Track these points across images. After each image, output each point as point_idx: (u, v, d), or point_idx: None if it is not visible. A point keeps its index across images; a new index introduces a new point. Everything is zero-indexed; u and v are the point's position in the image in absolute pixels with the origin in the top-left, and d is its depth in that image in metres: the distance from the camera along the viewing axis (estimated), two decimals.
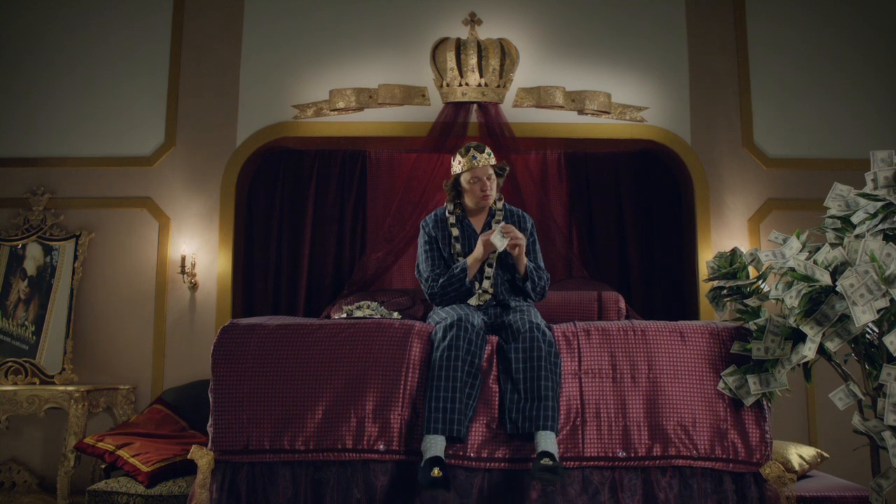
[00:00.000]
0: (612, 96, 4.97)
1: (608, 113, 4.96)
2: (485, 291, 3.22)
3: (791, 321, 2.58)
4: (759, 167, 4.96)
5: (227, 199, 4.94)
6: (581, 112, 4.97)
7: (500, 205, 3.43)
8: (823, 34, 5.07)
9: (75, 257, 4.84)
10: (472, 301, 3.21)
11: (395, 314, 3.19)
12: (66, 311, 4.75)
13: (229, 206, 4.93)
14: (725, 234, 4.90)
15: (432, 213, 3.46)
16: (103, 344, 4.82)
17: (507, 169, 3.44)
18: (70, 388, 4.39)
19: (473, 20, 5.01)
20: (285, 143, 5.10)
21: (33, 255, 4.87)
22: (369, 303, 3.16)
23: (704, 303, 4.80)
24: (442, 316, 3.05)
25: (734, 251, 2.93)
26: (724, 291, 2.91)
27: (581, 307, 4.02)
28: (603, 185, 5.16)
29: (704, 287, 4.79)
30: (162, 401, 4.54)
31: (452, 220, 3.38)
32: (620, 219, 5.14)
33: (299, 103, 4.99)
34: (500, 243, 3.08)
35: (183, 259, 4.81)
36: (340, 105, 4.96)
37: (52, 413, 4.52)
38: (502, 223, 3.17)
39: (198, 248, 4.91)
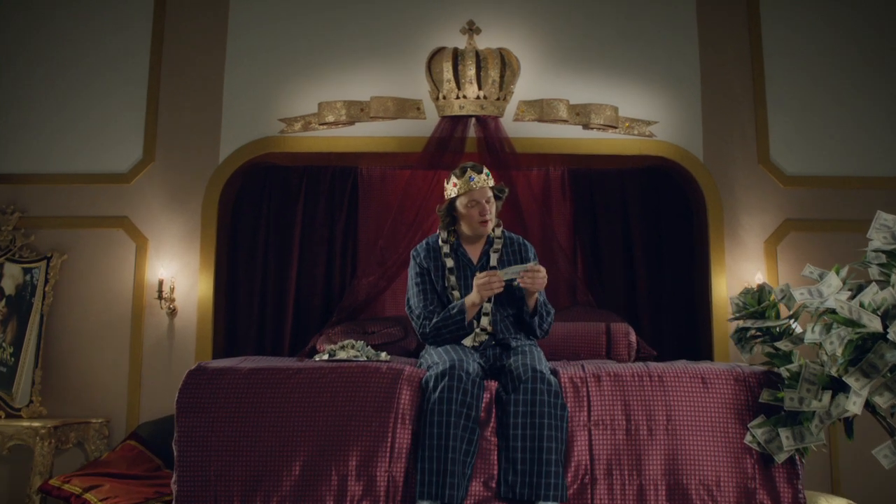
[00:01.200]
0: (619, 110, 4.67)
1: (615, 127, 4.67)
2: (483, 330, 2.90)
3: (832, 370, 2.27)
4: (775, 185, 4.66)
5: (209, 218, 4.63)
6: (586, 126, 4.67)
7: (498, 232, 3.12)
8: (842, 45, 4.77)
9: (46, 280, 4.53)
10: (468, 341, 2.89)
11: (384, 354, 2.87)
12: (36, 339, 4.44)
13: (211, 226, 4.63)
14: (740, 256, 4.59)
15: (424, 242, 3.14)
16: (75, 374, 4.51)
17: (507, 191, 3.14)
18: (36, 423, 4.07)
19: (472, 29, 4.72)
20: (271, 159, 4.80)
21: (12, 274, 4.56)
22: (353, 342, 2.85)
23: (718, 331, 4.49)
24: (434, 360, 2.73)
25: (762, 287, 2.62)
26: (752, 332, 2.59)
27: (587, 341, 3.70)
28: (609, 203, 4.86)
29: (718, 314, 4.50)
30: (136, 436, 4.23)
31: (446, 249, 3.06)
32: (628, 239, 4.84)
33: (286, 117, 4.69)
34: (507, 275, 2.79)
35: (160, 284, 4.50)
36: (330, 118, 4.66)
37: (18, 449, 4.20)
38: (532, 263, 2.87)
39: (177, 270, 4.60)
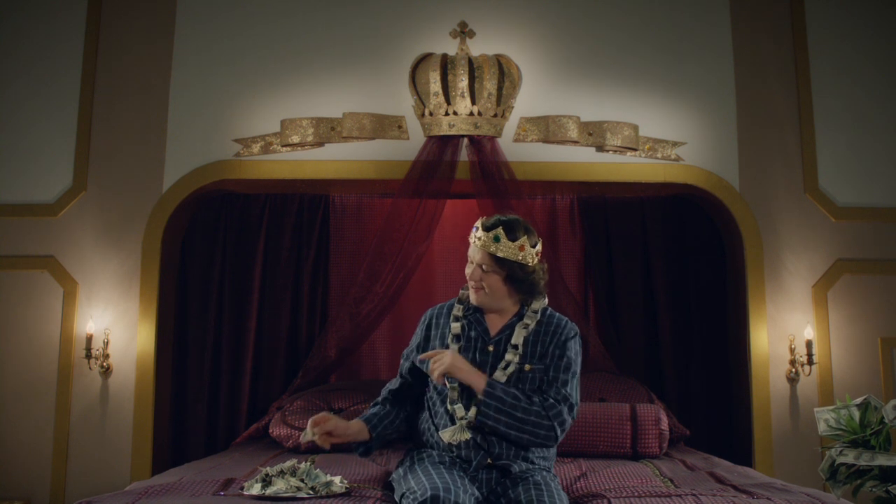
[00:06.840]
0: (639, 129, 3.94)
1: (634, 149, 3.94)
2: (469, 425, 2.13)
3: None
4: (825, 219, 3.93)
5: (151, 257, 3.88)
6: (600, 148, 3.94)
7: (536, 305, 2.29)
8: None
9: None
10: (446, 436, 2.13)
11: (338, 480, 2.12)
12: None
13: (153, 267, 3.88)
14: (785, 303, 3.87)
15: (444, 303, 2.42)
16: None
17: (525, 271, 2.28)
18: None
19: (464, 32, 3.98)
20: (226, 187, 4.06)
21: None
22: (296, 464, 2.10)
23: (758, 394, 3.77)
24: (409, 484, 1.98)
25: (867, 403, 1.87)
26: (854, 467, 1.84)
27: (608, 429, 2.93)
28: (627, 239, 4.14)
29: (758, 373, 3.79)
30: None
31: (459, 311, 2.31)
32: (649, 281, 4.11)
33: (242, 137, 3.94)
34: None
35: (89, 340, 3.75)
36: (295, 139, 3.91)
37: None
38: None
39: (113, 320, 3.86)
